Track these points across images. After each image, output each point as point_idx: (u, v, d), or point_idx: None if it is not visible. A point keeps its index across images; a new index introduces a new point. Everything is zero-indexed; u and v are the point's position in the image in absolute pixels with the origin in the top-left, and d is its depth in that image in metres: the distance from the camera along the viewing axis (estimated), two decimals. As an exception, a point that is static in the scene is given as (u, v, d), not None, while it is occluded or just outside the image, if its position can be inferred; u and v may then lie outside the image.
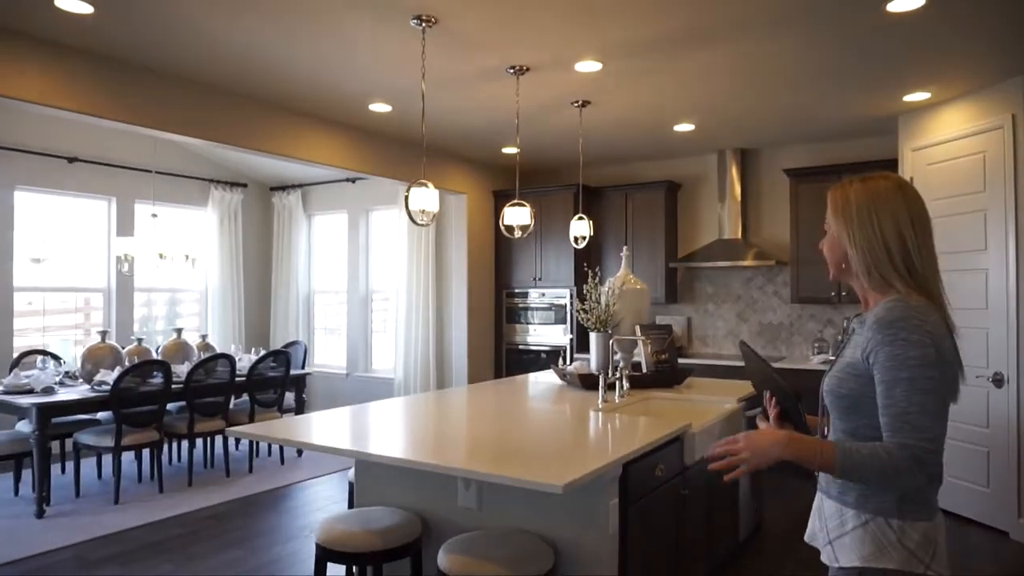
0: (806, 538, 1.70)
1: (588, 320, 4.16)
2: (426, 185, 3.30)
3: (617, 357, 4.30)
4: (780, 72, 4.17)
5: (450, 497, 2.67)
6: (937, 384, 1.38)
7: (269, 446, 6.47)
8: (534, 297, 6.91)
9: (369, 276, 8.01)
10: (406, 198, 3.22)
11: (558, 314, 6.74)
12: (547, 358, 6.70)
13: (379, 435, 2.85)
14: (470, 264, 6.89)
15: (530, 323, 6.91)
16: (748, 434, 1.54)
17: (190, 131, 4.46)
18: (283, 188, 8.37)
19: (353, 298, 8.00)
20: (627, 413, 3.37)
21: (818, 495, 1.65)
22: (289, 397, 6.33)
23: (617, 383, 3.70)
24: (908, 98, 4.70)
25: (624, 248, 4.41)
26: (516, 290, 7.03)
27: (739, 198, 6.30)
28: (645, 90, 4.55)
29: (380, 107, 4.95)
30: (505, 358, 7.08)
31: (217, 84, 4.48)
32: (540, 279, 6.87)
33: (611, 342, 3.79)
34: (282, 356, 6.07)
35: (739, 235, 6.28)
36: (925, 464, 1.35)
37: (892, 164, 5.35)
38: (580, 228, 4.70)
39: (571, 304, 6.66)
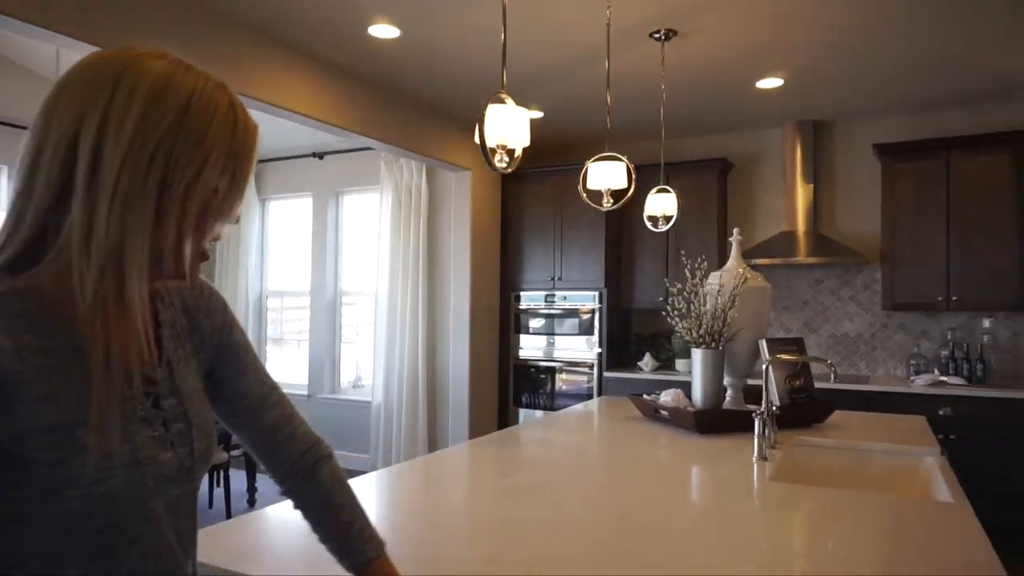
0: None
1: (694, 332, 2.90)
2: (503, 101, 1.95)
3: (726, 382, 3.07)
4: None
5: None
6: None
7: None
8: (552, 301, 5.58)
9: (339, 274, 6.54)
10: (480, 124, 1.87)
11: (582, 323, 5.42)
12: (568, 376, 5.39)
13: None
14: (473, 259, 5.50)
15: (546, 333, 5.57)
16: None
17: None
18: (230, 166, 6.80)
19: (318, 301, 6.51)
20: (806, 483, 2.11)
21: None
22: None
23: (765, 426, 2.44)
24: (1083, 43, 3.61)
25: (735, 231, 3.14)
26: (528, 292, 5.69)
27: (809, 181, 5.14)
28: (752, 17, 3.31)
29: (384, 30, 3.55)
30: (513, 376, 5.72)
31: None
32: (559, 279, 5.54)
33: (767, 367, 2.50)
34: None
35: (807, 227, 5.11)
36: None
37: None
38: (664, 204, 3.36)
39: (601, 310, 5.35)
